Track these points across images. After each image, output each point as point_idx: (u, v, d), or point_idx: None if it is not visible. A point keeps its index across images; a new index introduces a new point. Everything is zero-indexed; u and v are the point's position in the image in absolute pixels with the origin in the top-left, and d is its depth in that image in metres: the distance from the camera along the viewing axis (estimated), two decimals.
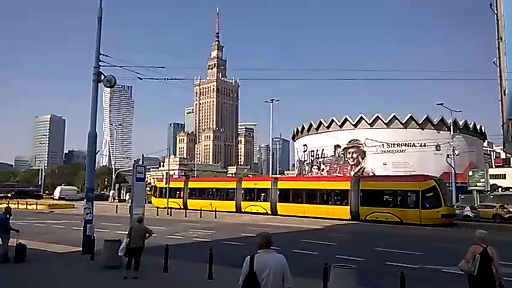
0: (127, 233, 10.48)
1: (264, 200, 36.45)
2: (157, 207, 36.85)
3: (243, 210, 36.88)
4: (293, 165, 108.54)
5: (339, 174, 58.84)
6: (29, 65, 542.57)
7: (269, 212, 35.21)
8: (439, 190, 28.50)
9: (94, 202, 15.06)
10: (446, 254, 14.69)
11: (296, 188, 36.15)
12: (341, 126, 60.60)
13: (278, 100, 59.05)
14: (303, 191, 35.09)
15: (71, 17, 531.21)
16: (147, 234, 10.44)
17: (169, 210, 35.43)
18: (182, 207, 39.24)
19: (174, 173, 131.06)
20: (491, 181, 52.10)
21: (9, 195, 57.59)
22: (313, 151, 64.28)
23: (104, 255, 11.53)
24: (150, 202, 41.74)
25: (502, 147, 51.26)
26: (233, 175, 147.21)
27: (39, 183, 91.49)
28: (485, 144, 77.50)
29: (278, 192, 35.60)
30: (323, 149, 61.79)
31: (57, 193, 64.97)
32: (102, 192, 75.09)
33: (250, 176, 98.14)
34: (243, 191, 38.32)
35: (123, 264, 10.78)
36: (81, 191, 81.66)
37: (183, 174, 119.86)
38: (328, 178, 46.06)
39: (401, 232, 24.25)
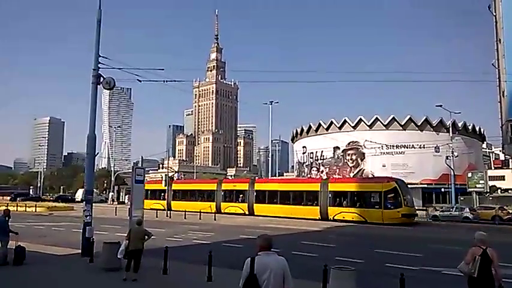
0: (126, 235, 10.47)
1: (242, 201, 37.81)
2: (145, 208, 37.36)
3: (222, 211, 37.87)
4: (292, 167, 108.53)
5: (338, 176, 58.94)
6: (29, 65, 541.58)
7: (246, 213, 36.38)
8: (400, 191, 29.80)
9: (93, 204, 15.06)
10: (446, 256, 14.69)
11: (271, 190, 37.34)
12: (340, 128, 60.62)
13: (277, 102, 59.22)
14: (277, 192, 36.46)
15: (70, 17, 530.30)
16: (146, 237, 10.43)
17: (168, 212, 35.55)
18: (166, 208, 39.86)
19: (174, 175, 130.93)
20: (491, 182, 52.30)
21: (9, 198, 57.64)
22: (312, 153, 64.29)
23: (103, 258, 11.50)
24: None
25: (501, 148, 51.27)
26: (232, 177, 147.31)
27: (38, 185, 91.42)
28: (484, 145, 77.69)
29: (255, 194, 37.11)
30: (322, 151, 61.79)
31: (79, 195, 65.07)
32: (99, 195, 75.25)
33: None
34: (222, 193, 39.77)
35: (122, 267, 10.76)
36: (103, 194, 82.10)
37: (182, 176, 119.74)
38: (301, 180, 49.37)
39: (400, 234, 24.27)
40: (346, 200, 31.89)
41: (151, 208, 35.94)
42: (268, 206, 35.61)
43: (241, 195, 38.21)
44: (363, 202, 31.01)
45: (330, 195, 32.49)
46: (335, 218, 31.35)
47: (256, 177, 67.52)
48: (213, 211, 36.28)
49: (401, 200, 29.52)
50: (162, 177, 43.65)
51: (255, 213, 35.69)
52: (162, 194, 43.44)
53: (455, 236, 22.27)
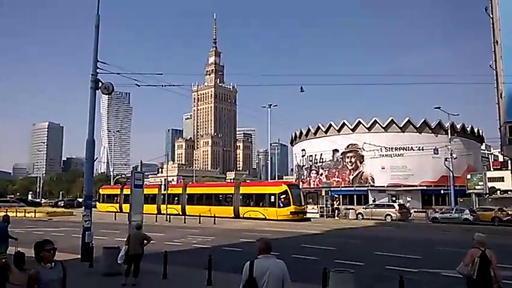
0: (125, 240, 10.47)
1: (177, 204, 42.69)
2: (101, 211, 44.34)
3: (162, 212, 40.26)
4: (292, 170, 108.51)
5: (337, 179, 58.97)
6: (29, 64, 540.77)
7: (180, 213, 39.73)
8: (290, 193, 35.72)
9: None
10: (445, 258, 14.71)
11: (199, 193, 43.68)
12: (339, 130, 60.60)
13: (276, 105, 59.10)
14: (203, 195, 42.81)
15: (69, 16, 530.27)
16: (145, 241, 10.42)
17: (167, 216, 35.74)
18: (119, 210, 45.48)
19: (173, 179, 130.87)
20: (490, 184, 52.26)
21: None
22: (311, 156, 64.25)
23: (103, 263, 11.49)
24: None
25: (499, 150, 51.33)
26: (232, 180, 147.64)
27: (37, 190, 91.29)
28: (483, 147, 77.60)
29: (187, 197, 42.44)
30: (321, 154, 61.75)
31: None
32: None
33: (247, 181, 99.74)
34: (162, 196, 42.80)
35: (122, 272, 10.75)
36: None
37: (181, 180, 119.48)
38: (220, 184, 59.52)
39: (400, 235, 24.29)
40: (252, 201, 37.96)
41: (106, 211, 42.73)
42: (196, 207, 39.80)
43: (176, 198, 43.39)
44: (263, 202, 36.79)
45: (240, 197, 38.73)
46: (245, 216, 36.92)
47: (189, 182, 76.00)
48: (155, 212, 39.37)
49: (290, 200, 35.38)
50: (161, 181, 44.57)
51: (187, 214, 38.76)
52: (116, 198, 50.54)
53: (455, 238, 22.28)
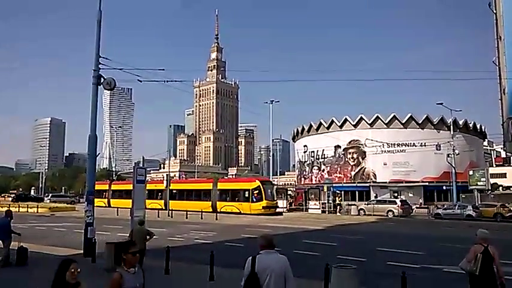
0: (128, 235, 10.48)
1: (160, 199, 44.09)
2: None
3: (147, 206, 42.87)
4: (293, 166, 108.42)
5: (339, 175, 58.92)
6: (29, 65, 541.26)
7: (163, 208, 40.53)
8: (262, 189, 37.88)
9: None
10: (448, 253, 14.70)
11: (180, 189, 45.44)
12: (341, 126, 60.44)
13: (278, 101, 59.16)
14: (184, 191, 44.93)
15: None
16: (148, 237, 10.44)
17: (170, 212, 35.89)
18: (107, 205, 48.66)
19: (175, 175, 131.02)
20: (492, 180, 52.13)
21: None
22: (313, 152, 64.12)
23: (106, 258, 11.51)
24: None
25: (502, 146, 51.19)
26: (234, 176, 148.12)
27: (40, 186, 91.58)
28: (485, 143, 77.37)
29: (169, 192, 42.64)
30: (323, 150, 61.61)
31: None
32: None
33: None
34: (147, 192, 45.08)
35: None
36: None
37: (184, 176, 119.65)
38: (201, 180, 59.33)
39: (402, 232, 24.28)
40: (229, 196, 40.34)
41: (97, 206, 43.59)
42: (178, 202, 41.44)
43: (159, 194, 44.90)
44: (238, 197, 39.33)
45: (218, 193, 41.12)
46: (221, 210, 38.45)
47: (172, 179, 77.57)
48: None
49: (263, 195, 37.51)
50: (163, 177, 44.68)
51: (169, 208, 39.19)
52: (104, 193, 52.84)
53: (457, 234, 22.26)
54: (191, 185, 47.79)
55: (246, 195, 38.60)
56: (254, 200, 37.73)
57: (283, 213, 40.47)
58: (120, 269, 4.14)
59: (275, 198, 40.39)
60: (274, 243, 4.52)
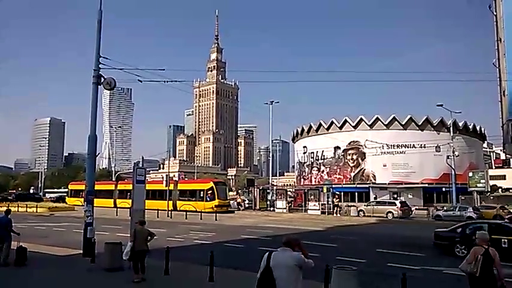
0: (130, 236, 10.45)
1: (129, 198, 42.52)
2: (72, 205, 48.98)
3: (118, 206, 44.44)
4: (293, 166, 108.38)
5: (339, 176, 58.93)
6: (29, 65, 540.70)
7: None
8: (215, 189, 41.58)
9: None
10: (448, 255, 14.70)
11: (148, 189, 43.76)
12: (341, 127, 60.43)
13: (278, 102, 59.10)
14: (149, 191, 45.01)
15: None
16: (149, 237, 10.42)
17: (169, 212, 35.93)
18: (113, 206, 48.36)
19: (174, 175, 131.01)
20: (491, 182, 52.08)
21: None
22: (313, 153, 64.12)
23: (105, 258, 11.51)
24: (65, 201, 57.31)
25: (501, 148, 51.20)
26: (233, 177, 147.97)
27: (39, 185, 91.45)
28: (485, 145, 77.47)
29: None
30: (323, 151, 61.61)
31: None
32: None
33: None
34: (118, 192, 50.44)
35: (124, 267, 10.76)
36: None
37: (184, 176, 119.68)
38: (161, 181, 60.71)
39: (402, 233, 24.25)
40: (186, 196, 43.66)
41: (74, 204, 48.66)
42: (146, 201, 41.78)
43: (129, 193, 44.33)
44: (194, 197, 42.68)
45: (178, 193, 44.06)
46: (181, 209, 40.29)
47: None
48: (111, 206, 45.58)
49: (215, 195, 40.97)
50: (162, 177, 44.84)
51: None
52: (82, 193, 53.24)
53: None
54: (156, 185, 47.01)
55: (201, 195, 42.05)
56: (208, 199, 41.09)
57: (283, 214, 40.61)
58: None
59: (227, 198, 45.14)
60: (292, 243, 4.98)
